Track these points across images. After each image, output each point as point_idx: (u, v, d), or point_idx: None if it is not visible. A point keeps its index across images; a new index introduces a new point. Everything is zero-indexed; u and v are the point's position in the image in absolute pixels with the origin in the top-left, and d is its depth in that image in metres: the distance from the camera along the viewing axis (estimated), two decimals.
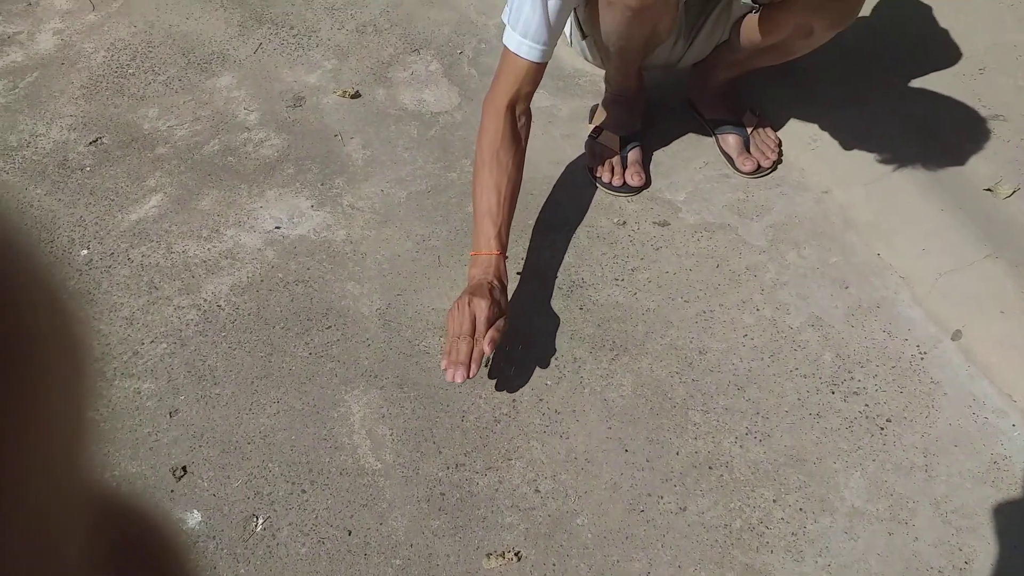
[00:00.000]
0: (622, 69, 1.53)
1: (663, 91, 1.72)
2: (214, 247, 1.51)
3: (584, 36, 1.51)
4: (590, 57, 1.57)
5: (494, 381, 1.29)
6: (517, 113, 1.35)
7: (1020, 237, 1.39)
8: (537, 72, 1.33)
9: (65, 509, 0.20)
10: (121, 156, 1.69)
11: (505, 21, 1.32)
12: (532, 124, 1.38)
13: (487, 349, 1.18)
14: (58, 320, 0.20)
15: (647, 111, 1.65)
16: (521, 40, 1.29)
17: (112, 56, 1.93)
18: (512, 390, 1.29)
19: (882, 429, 1.21)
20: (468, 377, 1.17)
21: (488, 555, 1.11)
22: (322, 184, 1.62)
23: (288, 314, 1.40)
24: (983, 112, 1.59)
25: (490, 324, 1.21)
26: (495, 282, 1.27)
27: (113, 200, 1.60)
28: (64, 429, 0.20)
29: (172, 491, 1.19)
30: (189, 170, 1.66)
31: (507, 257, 1.32)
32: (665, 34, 1.40)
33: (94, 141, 1.72)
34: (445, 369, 1.18)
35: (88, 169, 1.67)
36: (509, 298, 1.34)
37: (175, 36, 1.97)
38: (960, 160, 1.51)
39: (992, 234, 1.39)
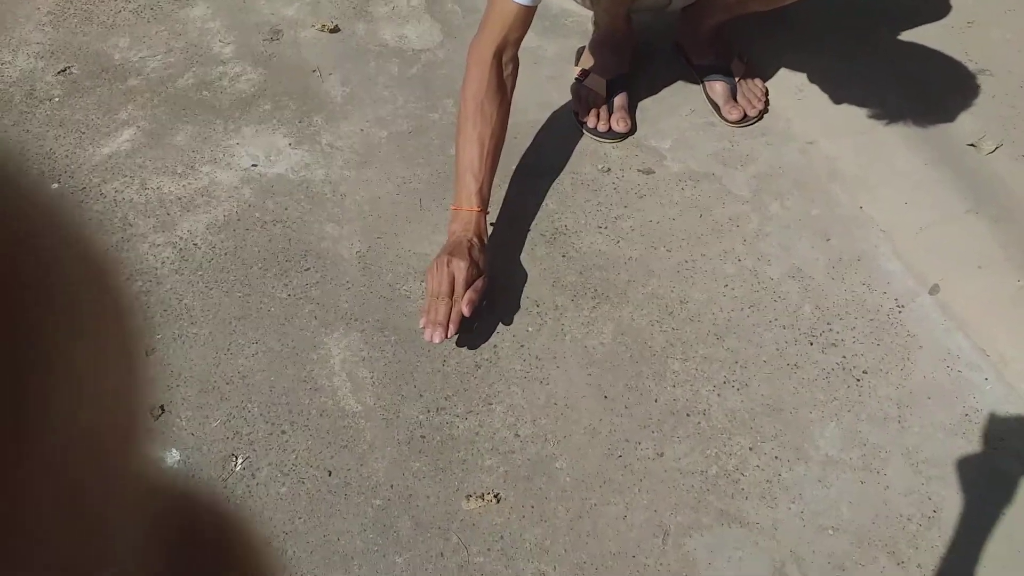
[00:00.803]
0: (611, 10, 1.50)
1: (651, 35, 1.69)
2: (189, 184, 1.48)
3: None
4: None
5: (476, 325, 1.28)
6: (504, 61, 1.32)
7: (1000, 192, 1.40)
8: (527, 16, 1.29)
9: (119, 503, 0.19)
10: (91, 87, 1.63)
11: None
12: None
13: (465, 310, 1.21)
14: (94, 278, 0.19)
15: (635, 55, 1.62)
16: None
17: None
18: (494, 336, 1.28)
19: (858, 381, 1.23)
20: (446, 338, 1.20)
21: (467, 497, 1.12)
22: (300, 121, 1.58)
23: (266, 254, 1.38)
24: (970, 66, 1.59)
25: (468, 285, 1.22)
26: (474, 239, 1.27)
27: (84, 133, 1.55)
28: (112, 405, 0.19)
29: (150, 430, 1.18)
30: (163, 103, 1.61)
31: (488, 213, 1.32)
32: None
33: (63, 71, 1.66)
34: (423, 328, 1.21)
35: (57, 100, 1.61)
36: (492, 241, 1.33)
37: None
38: (945, 114, 1.51)
39: (974, 189, 1.40)
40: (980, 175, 1.42)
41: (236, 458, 1.16)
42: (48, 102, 1.61)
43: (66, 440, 0.17)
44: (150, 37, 1.73)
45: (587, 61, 1.61)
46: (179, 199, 1.45)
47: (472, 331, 1.27)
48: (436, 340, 1.20)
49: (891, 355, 1.25)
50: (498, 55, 1.30)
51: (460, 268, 1.22)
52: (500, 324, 1.29)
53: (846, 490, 1.13)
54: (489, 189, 1.32)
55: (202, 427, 1.18)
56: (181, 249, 1.38)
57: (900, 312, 1.30)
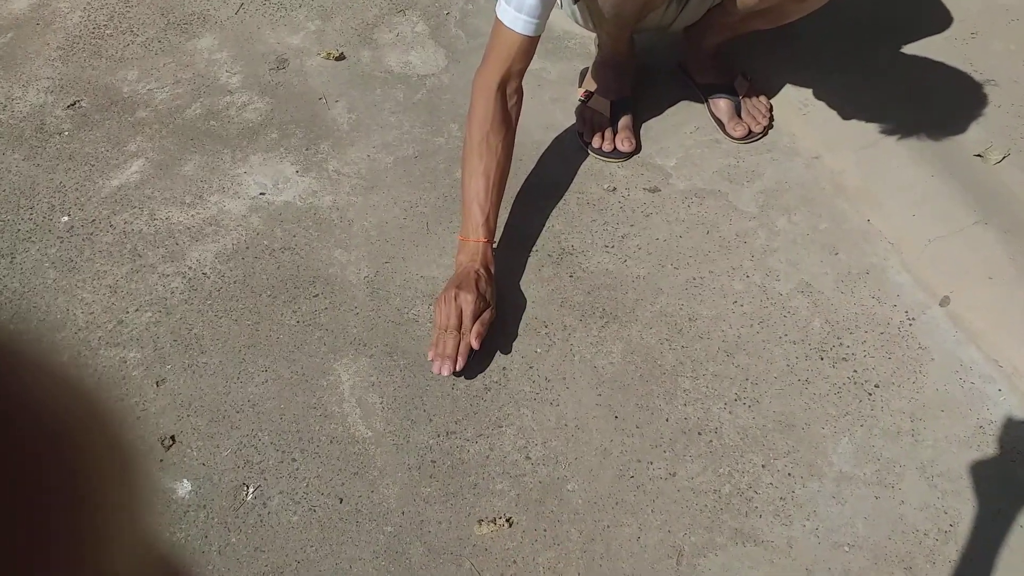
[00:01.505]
0: (614, 34, 1.51)
1: (654, 55, 1.70)
2: (198, 213, 1.49)
3: (576, 0, 1.48)
4: (581, 21, 1.54)
5: (472, 355, 1.26)
6: (508, 92, 1.33)
7: (1009, 203, 1.39)
8: (531, 46, 1.31)
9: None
10: (100, 120, 1.65)
11: None
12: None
13: (474, 344, 1.23)
14: (101, 432, 0.21)
15: (638, 75, 1.63)
16: (516, 15, 1.27)
17: (89, 16, 1.87)
18: (502, 358, 1.28)
19: (870, 395, 1.22)
20: (454, 371, 1.22)
21: (479, 521, 1.12)
22: (307, 149, 1.59)
23: (275, 282, 1.39)
24: (975, 77, 1.58)
25: (475, 318, 1.24)
26: (481, 270, 1.28)
27: (93, 165, 1.57)
28: (119, 536, 0.21)
29: (161, 460, 1.18)
30: (171, 134, 1.62)
31: (494, 243, 1.33)
32: (659, 1, 1.37)
33: (72, 104, 1.68)
34: (432, 360, 1.23)
35: (67, 133, 1.63)
36: (499, 262, 1.34)
37: None
38: (951, 126, 1.50)
39: (981, 200, 1.39)
40: (987, 186, 1.41)
41: (247, 487, 1.16)
42: (58, 136, 1.63)
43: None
44: (158, 69, 1.75)
45: (590, 83, 1.62)
46: (188, 229, 1.46)
47: (472, 358, 1.26)
48: (445, 373, 1.22)
49: (903, 368, 1.24)
50: (502, 86, 1.32)
51: (468, 301, 1.23)
52: (509, 345, 1.29)
53: (861, 506, 1.11)
54: (495, 219, 1.34)
55: (213, 457, 1.19)
56: (190, 279, 1.39)
57: (911, 325, 1.29)
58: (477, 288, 1.25)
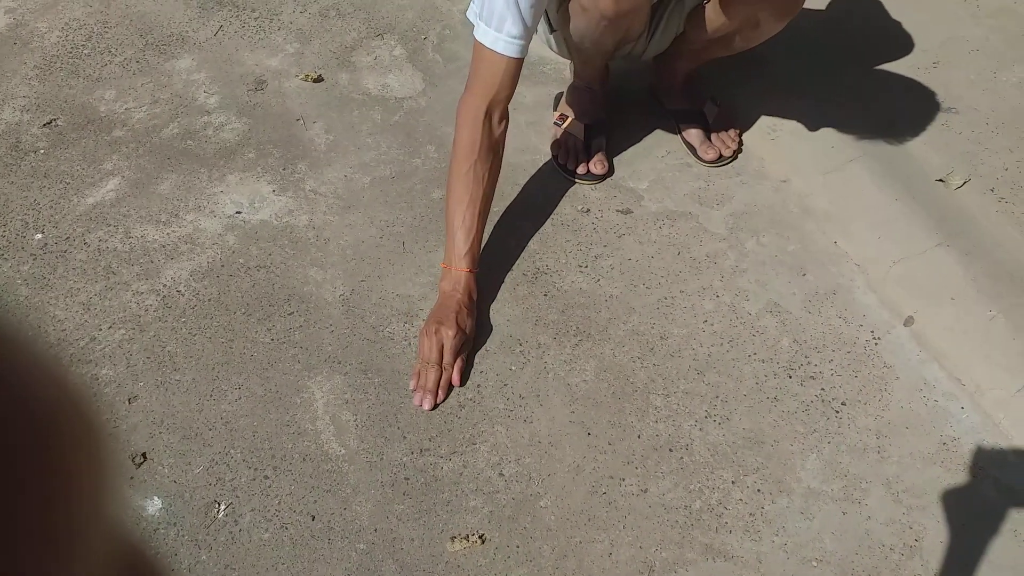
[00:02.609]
0: (589, 61, 1.54)
1: (628, 81, 1.73)
2: (173, 232, 1.49)
3: (552, 30, 1.51)
4: (556, 49, 1.57)
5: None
6: (495, 120, 1.31)
7: (969, 227, 1.43)
8: (516, 69, 1.28)
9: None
10: (76, 139, 1.66)
11: (474, 19, 1.29)
12: None
13: (455, 381, 1.26)
14: (74, 418, 0.21)
15: (612, 100, 1.66)
16: (496, 35, 1.24)
17: (67, 36, 1.88)
18: (477, 375, 1.29)
19: (837, 412, 1.24)
20: (436, 405, 1.24)
21: (452, 538, 1.12)
22: (284, 169, 1.60)
23: (249, 300, 1.39)
24: (936, 105, 1.64)
25: (456, 352, 1.26)
26: (464, 299, 1.29)
27: (68, 183, 1.57)
28: (87, 518, 0.21)
29: (132, 478, 1.17)
30: (147, 154, 1.63)
31: (477, 272, 1.33)
32: (635, 36, 1.41)
33: (48, 123, 1.68)
34: (413, 391, 1.25)
35: (42, 152, 1.63)
36: (476, 283, 1.35)
37: (132, 17, 1.93)
38: (914, 151, 1.55)
39: (943, 223, 1.43)
40: (949, 210, 1.45)
41: (219, 504, 1.15)
42: (33, 154, 1.62)
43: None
44: (136, 89, 1.76)
45: (565, 107, 1.65)
46: (163, 247, 1.46)
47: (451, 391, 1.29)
48: (426, 407, 1.24)
49: (868, 386, 1.26)
50: (489, 114, 1.30)
51: (448, 336, 1.25)
52: (483, 363, 1.30)
53: (828, 521, 1.13)
54: (479, 248, 1.34)
55: (184, 474, 1.18)
56: (164, 296, 1.39)
57: (876, 344, 1.32)
58: (457, 323, 1.27)
